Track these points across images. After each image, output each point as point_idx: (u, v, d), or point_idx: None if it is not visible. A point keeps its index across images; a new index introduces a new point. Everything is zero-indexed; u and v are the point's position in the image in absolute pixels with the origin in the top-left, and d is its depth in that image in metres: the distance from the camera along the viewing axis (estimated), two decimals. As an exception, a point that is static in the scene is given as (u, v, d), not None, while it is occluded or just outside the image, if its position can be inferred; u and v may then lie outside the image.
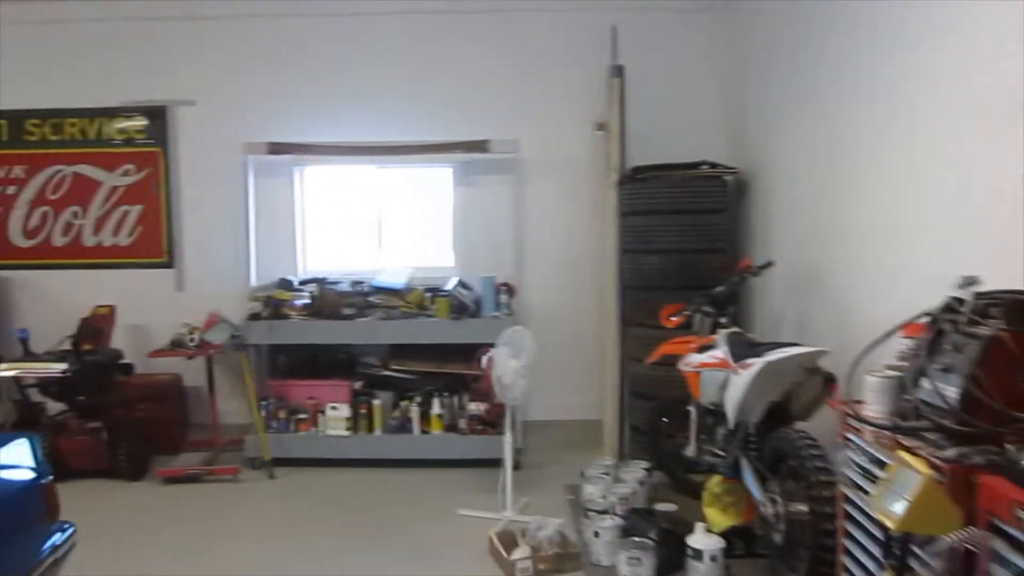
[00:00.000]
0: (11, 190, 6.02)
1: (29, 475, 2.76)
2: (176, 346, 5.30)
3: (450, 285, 5.42)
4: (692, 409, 4.15)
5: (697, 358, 3.92)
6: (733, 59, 5.69)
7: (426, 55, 5.96)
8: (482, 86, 5.96)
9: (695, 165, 5.23)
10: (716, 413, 3.88)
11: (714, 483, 3.91)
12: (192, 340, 5.27)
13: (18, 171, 6.01)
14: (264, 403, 5.31)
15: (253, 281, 5.66)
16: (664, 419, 4.60)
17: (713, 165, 5.24)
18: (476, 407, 5.28)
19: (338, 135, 5.76)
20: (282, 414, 5.33)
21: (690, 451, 4.17)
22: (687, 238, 5.05)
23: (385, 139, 5.65)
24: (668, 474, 4.62)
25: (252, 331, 5.25)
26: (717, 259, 5.02)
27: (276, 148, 5.57)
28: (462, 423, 5.27)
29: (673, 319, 4.27)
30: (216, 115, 5.94)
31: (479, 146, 5.57)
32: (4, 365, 4.76)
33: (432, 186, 6.16)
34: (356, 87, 5.94)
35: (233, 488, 4.98)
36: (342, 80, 5.94)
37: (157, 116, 5.95)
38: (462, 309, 5.23)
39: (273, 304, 5.32)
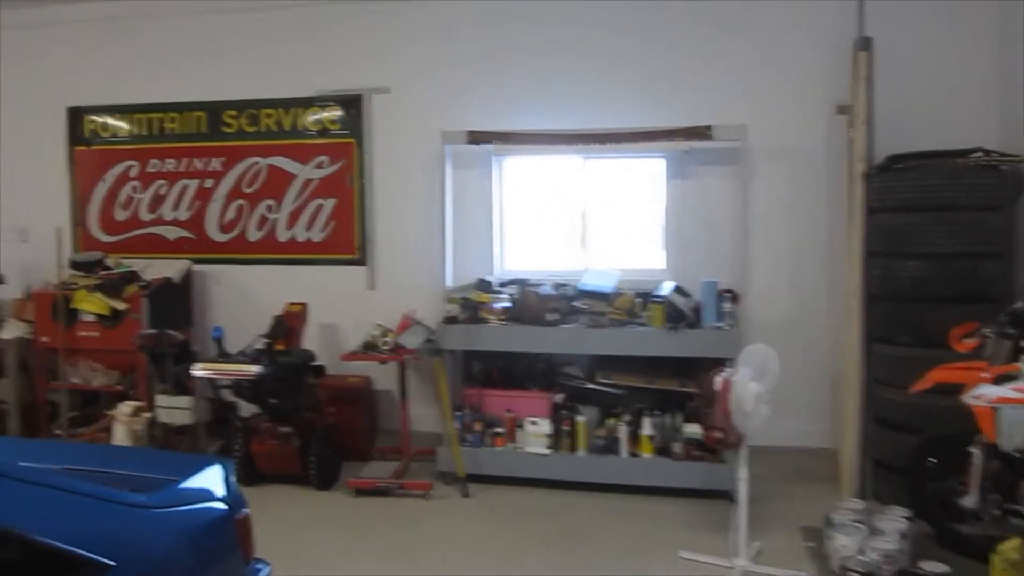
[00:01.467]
0: (209, 183, 6.38)
1: (220, 508, 2.48)
2: (368, 349, 5.40)
3: (665, 290, 5.16)
4: (976, 451, 3.68)
5: (994, 391, 3.45)
6: (1011, 29, 5.04)
7: (639, 32, 5.73)
8: (702, 65, 5.66)
9: (965, 152, 4.68)
10: (1016, 460, 3.40)
11: (1011, 547, 3.42)
12: (385, 343, 5.34)
13: (216, 163, 6.36)
14: (458, 413, 5.29)
15: (449, 281, 5.66)
16: (931, 459, 4.13)
17: (988, 152, 4.67)
18: (693, 429, 4.99)
19: (542, 123, 5.64)
20: (477, 426, 5.28)
21: (970, 501, 3.71)
22: (954, 240, 4.52)
23: (593, 127, 5.47)
24: (932, 524, 4.14)
25: (448, 335, 5.23)
26: (991, 266, 4.47)
27: (476, 137, 5.52)
28: (676, 447, 5.00)
29: (966, 342, 3.79)
30: (412, 103, 6.00)
31: (700, 133, 5.26)
32: (200, 365, 5.00)
33: (643, 179, 5.92)
34: (561, 70, 5.81)
35: (424, 505, 4.98)
36: (546, 63, 5.83)
37: (351, 105, 6.10)
38: (679, 318, 4.95)
39: (471, 307, 5.28)
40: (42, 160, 6.73)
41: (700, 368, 4.95)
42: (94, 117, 6.62)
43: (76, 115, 6.65)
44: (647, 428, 5.03)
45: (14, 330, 5.93)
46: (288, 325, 5.69)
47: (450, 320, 5.28)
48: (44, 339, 5.90)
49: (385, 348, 5.30)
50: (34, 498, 2.03)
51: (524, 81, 5.86)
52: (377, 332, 5.46)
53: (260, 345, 5.24)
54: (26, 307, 6.09)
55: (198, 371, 4.86)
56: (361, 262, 6.17)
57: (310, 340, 5.95)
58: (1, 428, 5.98)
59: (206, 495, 2.46)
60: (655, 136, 5.30)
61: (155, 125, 6.48)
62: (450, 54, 5.95)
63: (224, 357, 5.07)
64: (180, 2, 6.28)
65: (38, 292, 6.00)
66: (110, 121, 6.58)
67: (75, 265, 6.02)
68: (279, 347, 5.41)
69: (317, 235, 6.24)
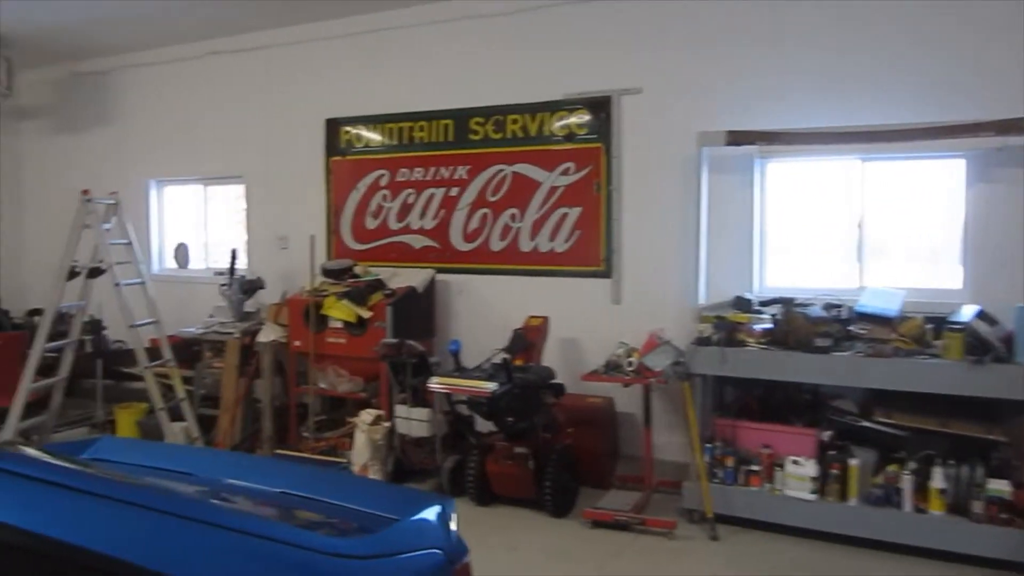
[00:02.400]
0: (454, 191, 6.54)
1: (439, 556, 2.25)
2: (611, 369, 5.22)
3: (965, 315, 4.50)
4: None
5: None
6: None
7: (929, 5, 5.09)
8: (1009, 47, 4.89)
9: None
10: None
11: None
12: (629, 364, 5.14)
13: (462, 172, 6.51)
14: (708, 446, 4.96)
15: (702, 298, 5.35)
16: None
17: None
18: (1000, 486, 4.29)
19: (810, 120, 5.17)
20: (729, 462, 4.92)
21: None
22: None
23: (874, 123, 4.92)
24: None
25: (699, 358, 4.92)
26: None
27: (737, 137, 5.17)
28: (976, 506, 4.32)
29: None
30: (665, 103, 5.76)
31: (1017, 127, 4.54)
32: (436, 379, 5.07)
33: (935, 184, 5.26)
34: (833, 60, 5.28)
35: (667, 545, 4.70)
36: (815, 53, 5.33)
37: (600, 108, 5.97)
38: (984, 350, 4.28)
39: (726, 327, 4.93)
40: (302, 170, 7.27)
41: (1010, 412, 4.30)
42: (349, 128, 7.04)
43: (333, 126, 7.12)
44: (938, 480, 4.40)
45: (270, 333, 6.43)
46: (528, 339, 5.66)
47: (702, 341, 4.97)
48: (296, 343, 6.33)
49: (629, 369, 5.10)
50: (229, 546, 1.92)
51: (791, 74, 5.39)
52: (621, 351, 5.27)
53: (498, 360, 5.24)
54: (282, 311, 6.58)
55: (434, 385, 4.93)
56: (606, 275, 6.01)
57: (549, 355, 5.90)
58: (255, 426, 6.49)
59: (424, 540, 2.26)
60: (957, 131, 4.64)
61: (405, 134, 6.77)
62: (706, 49, 5.64)
63: (461, 372, 5.12)
64: (426, 10, 6.51)
65: (293, 298, 6.46)
66: (363, 132, 6.98)
67: (326, 272, 6.42)
68: (517, 362, 5.39)
69: (561, 245, 6.17)
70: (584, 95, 6.03)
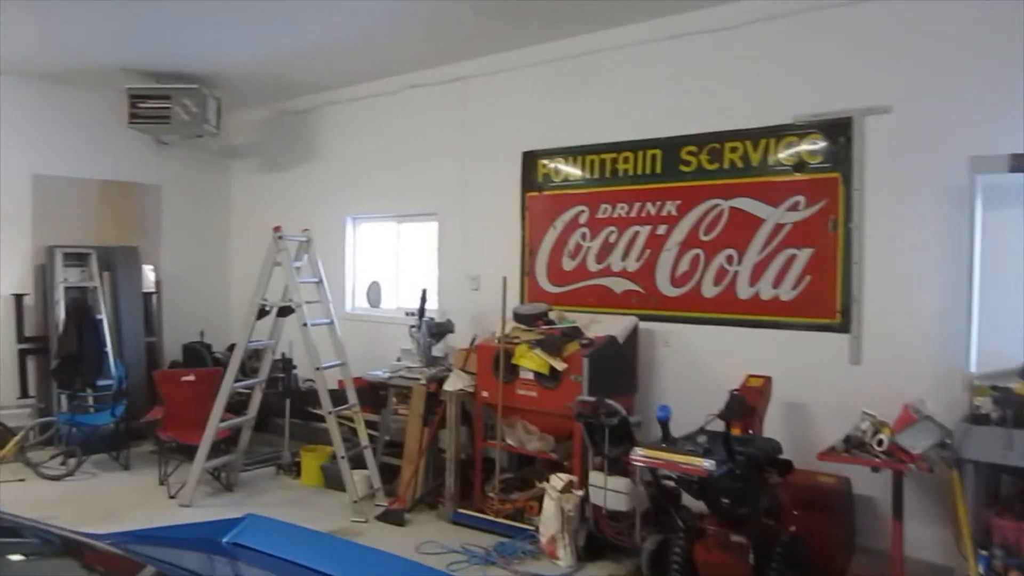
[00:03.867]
0: (662, 229, 5.80)
1: None
2: (853, 447, 4.28)
3: None
4: None
5: None
6: None
7: None
8: None
9: None
10: None
11: None
12: (879, 443, 4.17)
13: (671, 207, 5.77)
14: (983, 552, 3.89)
15: (973, 363, 4.29)
16: None
17: None
18: None
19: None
20: (1013, 575, 3.83)
21: None
22: None
23: None
24: None
25: (973, 440, 3.89)
26: None
27: (1025, 164, 4.13)
28: None
29: None
30: (921, 123, 4.76)
31: None
32: (640, 451, 4.29)
33: None
34: None
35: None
36: None
37: (838, 131, 5.06)
38: None
39: (1012, 402, 3.86)
40: (497, 207, 6.80)
41: None
42: (546, 161, 6.50)
43: (530, 159, 6.60)
44: None
45: (457, 382, 5.93)
46: (748, 403, 4.81)
47: (978, 419, 3.94)
48: (484, 393, 5.80)
49: (879, 449, 4.13)
50: None
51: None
52: (865, 425, 4.32)
53: (711, 426, 4.42)
54: (470, 358, 6.08)
55: (638, 458, 4.18)
56: (843, 328, 5.03)
57: (771, 422, 5.00)
58: (438, 480, 6.00)
59: None
60: None
61: (607, 166, 6.13)
62: (976, 57, 4.61)
63: (669, 442, 4.33)
64: (631, 31, 5.88)
65: (482, 344, 5.94)
66: (562, 165, 6.41)
67: (517, 317, 5.86)
68: (735, 431, 4.54)
69: (787, 292, 5.26)
70: (818, 117, 5.13)
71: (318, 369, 5.98)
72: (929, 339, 4.66)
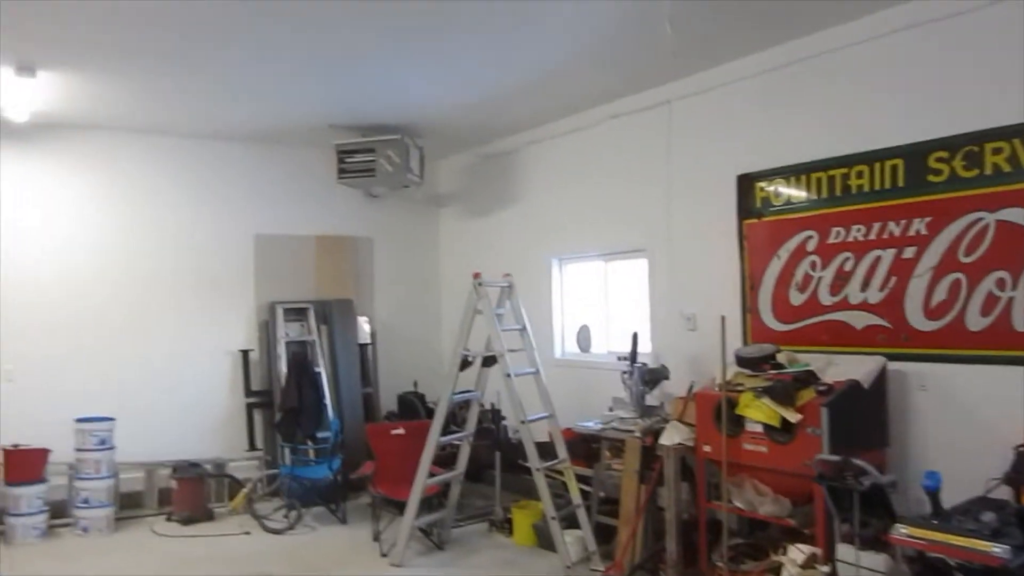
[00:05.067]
0: (909, 252, 4.91)
1: None
2: None
3: None
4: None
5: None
6: None
7: None
8: None
9: None
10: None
11: None
12: None
13: (919, 225, 4.87)
14: None
15: None
16: None
17: None
18: None
19: None
20: None
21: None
22: None
23: None
24: None
25: None
26: None
27: None
28: None
29: None
30: None
31: None
32: (905, 530, 3.47)
33: None
34: None
35: None
36: None
37: None
38: None
39: None
40: (711, 237, 6.15)
41: None
42: (764, 183, 5.78)
43: (746, 183, 5.91)
44: None
45: (675, 435, 5.31)
46: (1038, 461, 3.87)
47: None
48: (706, 448, 5.14)
49: None
50: None
51: None
52: None
53: (997, 496, 3.55)
54: (688, 408, 5.45)
55: (902, 536, 3.40)
56: None
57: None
58: (659, 544, 5.38)
59: None
60: None
61: (837, 184, 5.33)
62: None
63: (942, 517, 3.50)
64: (856, 27, 5.09)
65: (701, 392, 5.30)
66: (782, 186, 5.67)
67: (740, 361, 5.17)
68: (1026, 499, 3.64)
69: (1079, 321, 4.24)
70: (1111, 103, 4.14)
71: (523, 423, 5.60)
72: None
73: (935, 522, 3.38)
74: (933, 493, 3.52)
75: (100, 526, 6.90)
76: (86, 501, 6.88)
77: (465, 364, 5.90)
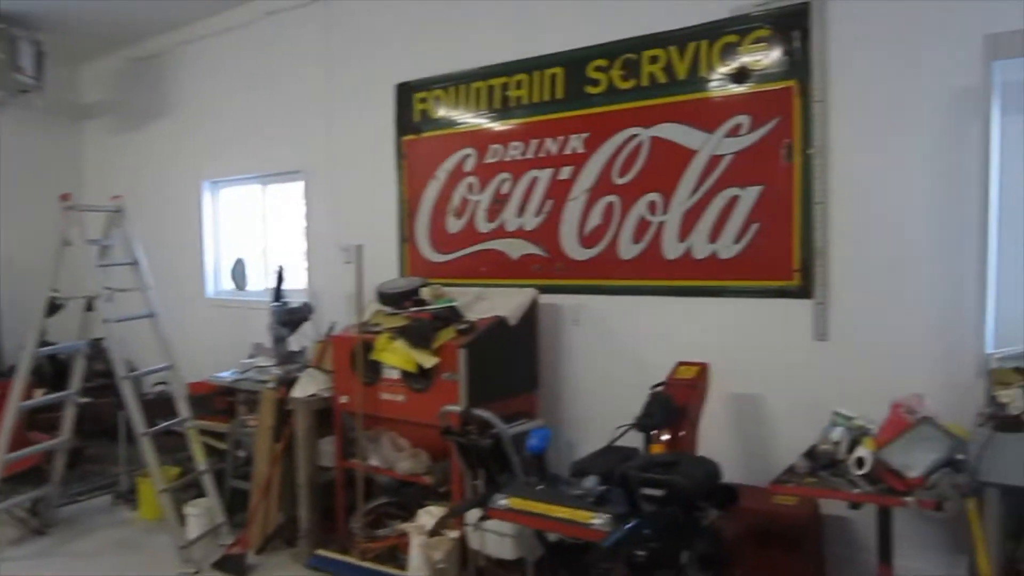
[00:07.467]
0: (566, 173, 4.40)
1: None
2: (822, 466, 2.95)
3: None
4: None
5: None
6: None
7: None
8: None
9: None
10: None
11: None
12: (859, 463, 2.84)
13: (576, 142, 4.36)
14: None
15: (989, 341, 2.97)
16: None
17: None
18: None
19: None
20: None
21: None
22: None
23: None
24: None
25: (993, 453, 2.59)
26: None
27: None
28: None
29: None
30: (905, 4, 3.41)
31: None
32: (504, 500, 2.83)
33: None
34: None
35: None
36: None
37: (791, 24, 3.69)
38: None
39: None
40: (371, 157, 5.37)
41: None
42: (425, 94, 5.06)
43: (405, 94, 5.15)
44: None
45: (309, 384, 4.53)
46: (677, 403, 3.47)
47: (1004, 423, 2.63)
48: (343, 399, 4.41)
49: (858, 473, 2.80)
50: None
51: None
52: (838, 433, 3.00)
53: (626, 440, 3.09)
54: (327, 353, 4.69)
55: (499, 511, 2.80)
56: (803, 293, 3.68)
57: (711, 423, 3.68)
58: (291, 513, 4.62)
59: None
60: None
61: (496, 95, 4.71)
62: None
63: (547, 482, 2.94)
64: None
65: (338, 336, 4.54)
66: (443, 97, 4.98)
67: (381, 297, 4.46)
68: (656, 448, 3.22)
69: (727, 248, 3.88)
70: (764, 6, 3.74)
71: (124, 378, 4.57)
72: (924, 305, 3.33)
73: (540, 489, 2.84)
74: (539, 456, 2.98)
75: None
76: None
77: (54, 308, 4.75)
